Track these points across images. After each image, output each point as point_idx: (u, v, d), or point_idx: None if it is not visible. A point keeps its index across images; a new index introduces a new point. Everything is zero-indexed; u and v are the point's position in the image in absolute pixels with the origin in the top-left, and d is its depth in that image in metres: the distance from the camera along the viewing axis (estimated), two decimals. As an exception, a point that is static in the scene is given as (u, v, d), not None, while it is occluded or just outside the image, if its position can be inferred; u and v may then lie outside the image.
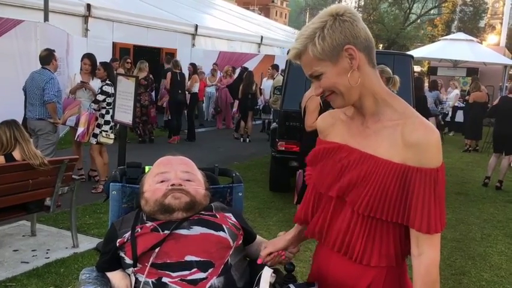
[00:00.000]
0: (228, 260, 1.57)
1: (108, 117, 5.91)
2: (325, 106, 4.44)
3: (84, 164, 6.52)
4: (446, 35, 24.79)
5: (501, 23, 23.50)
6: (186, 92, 10.16)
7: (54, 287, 3.45)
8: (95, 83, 6.17)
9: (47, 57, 5.63)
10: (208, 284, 1.50)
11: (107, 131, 5.95)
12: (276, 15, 69.64)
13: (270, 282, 1.49)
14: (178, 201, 1.61)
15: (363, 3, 32.93)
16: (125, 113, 5.09)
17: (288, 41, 17.93)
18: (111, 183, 1.85)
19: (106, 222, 4.29)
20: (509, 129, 7.30)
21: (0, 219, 3.85)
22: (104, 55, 8.58)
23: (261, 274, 1.52)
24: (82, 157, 6.33)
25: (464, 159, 10.17)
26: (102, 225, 4.66)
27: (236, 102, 11.47)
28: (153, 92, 9.71)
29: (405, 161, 1.31)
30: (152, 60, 11.71)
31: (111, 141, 6.01)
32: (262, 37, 17.13)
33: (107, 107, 5.91)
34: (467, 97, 11.95)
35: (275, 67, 11.75)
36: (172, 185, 1.65)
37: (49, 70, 5.59)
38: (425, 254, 1.31)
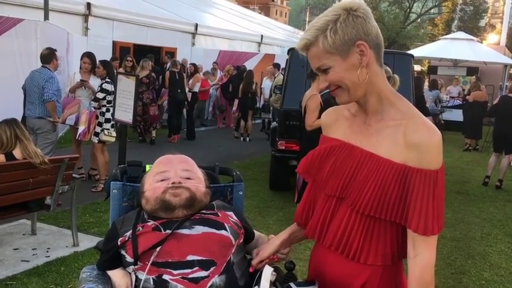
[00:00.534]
0: (230, 258, 1.58)
1: (108, 115, 5.91)
2: (325, 105, 4.45)
3: (84, 163, 6.52)
4: (447, 34, 24.76)
5: (501, 23, 23.51)
6: (187, 91, 10.16)
7: (54, 286, 3.46)
8: (95, 82, 6.17)
9: (48, 56, 5.63)
10: (210, 283, 1.50)
11: (108, 129, 5.96)
12: (276, 14, 69.60)
13: (271, 281, 1.49)
14: (179, 198, 1.61)
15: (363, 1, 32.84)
16: (125, 112, 5.09)
17: (288, 40, 17.91)
18: (111, 182, 1.84)
19: (106, 221, 4.30)
20: (509, 128, 7.30)
21: (0, 218, 3.86)
22: (104, 54, 8.57)
23: (261, 272, 1.52)
24: (82, 156, 6.33)
25: (464, 159, 10.17)
26: (102, 224, 4.67)
27: (236, 101, 11.47)
28: (155, 90, 9.71)
29: (406, 161, 1.31)
30: (152, 59, 11.70)
31: (113, 139, 6.02)
32: (262, 36, 17.11)
33: (107, 105, 5.91)
34: (467, 96, 11.94)
35: (276, 66, 11.74)
36: (173, 183, 1.65)
37: (49, 69, 5.59)
38: (421, 255, 1.31)
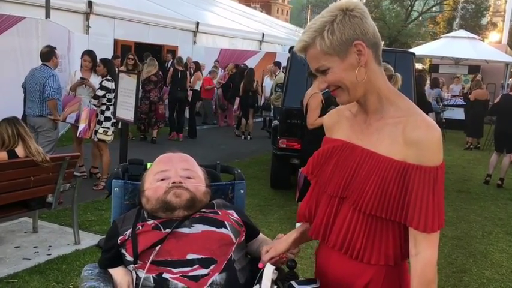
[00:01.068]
0: (231, 256, 1.58)
1: (108, 114, 5.91)
2: (327, 104, 4.45)
3: (86, 161, 6.53)
4: (448, 32, 24.69)
5: (503, 21, 23.47)
6: (189, 89, 10.16)
7: (55, 284, 3.46)
8: (95, 80, 6.17)
9: (48, 54, 5.63)
10: (210, 280, 1.50)
11: (108, 128, 5.95)
12: (278, 12, 69.51)
13: (272, 279, 1.49)
14: (180, 200, 1.61)
15: (364, 0, 32.88)
16: (126, 110, 5.09)
17: (289, 39, 17.90)
18: (113, 180, 1.85)
19: (107, 219, 4.30)
20: (510, 127, 7.29)
21: (2, 216, 3.86)
22: (105, 52, 8.55)
23: (262, 271, 1.52)
24: (83, 154, 6.33)
25: (465, 157, 10.16)
26: (103, 222, 4.67)
27: (237, 100, 11.46)
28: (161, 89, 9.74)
29: (405, 158, 1.31)
30: (153, 57, 11.70)
31: (109, 138, 6.01)
32: (263, 34, 17.10)
33: (107, 103, 5.91)
34: (469, 96, 11.92)
35: (277, 64, 11.72)
36: (173, 182, 1.65)
37: (49, 67, 5.59)
38: (422, 253, 1.31)
